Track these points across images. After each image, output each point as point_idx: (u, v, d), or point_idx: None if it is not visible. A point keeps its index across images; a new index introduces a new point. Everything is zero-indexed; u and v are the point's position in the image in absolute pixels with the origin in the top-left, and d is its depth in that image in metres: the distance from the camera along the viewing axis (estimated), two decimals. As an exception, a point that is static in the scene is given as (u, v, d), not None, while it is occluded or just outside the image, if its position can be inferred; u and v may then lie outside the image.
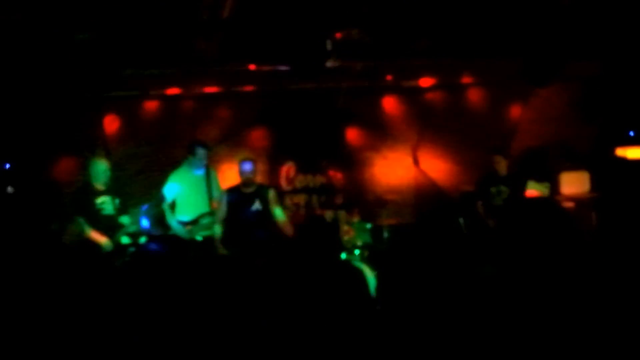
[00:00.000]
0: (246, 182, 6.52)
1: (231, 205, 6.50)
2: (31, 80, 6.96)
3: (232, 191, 6.61)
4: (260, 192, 6.57)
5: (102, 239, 5.99)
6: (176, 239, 6.35)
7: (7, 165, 7.61)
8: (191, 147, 6.66)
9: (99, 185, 6.15)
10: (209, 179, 6.68)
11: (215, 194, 6.71)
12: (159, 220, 6.25)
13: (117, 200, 6.19)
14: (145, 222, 6.06)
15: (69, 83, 6.94)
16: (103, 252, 5.96)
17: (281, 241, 6.50)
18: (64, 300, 5.89)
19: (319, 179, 9.20)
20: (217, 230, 6.48)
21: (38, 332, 5.37)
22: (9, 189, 7.54)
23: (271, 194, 6.64)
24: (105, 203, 6.14)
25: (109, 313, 5.58)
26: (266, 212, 6.52)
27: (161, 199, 6.35)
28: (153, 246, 5.84)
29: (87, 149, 7.61)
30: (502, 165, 7.17)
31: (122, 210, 6.22)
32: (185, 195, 6.57)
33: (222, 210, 6.55)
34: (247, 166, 6.55)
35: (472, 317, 5.15)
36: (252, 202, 6.49)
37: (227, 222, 6.48)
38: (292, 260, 6.55)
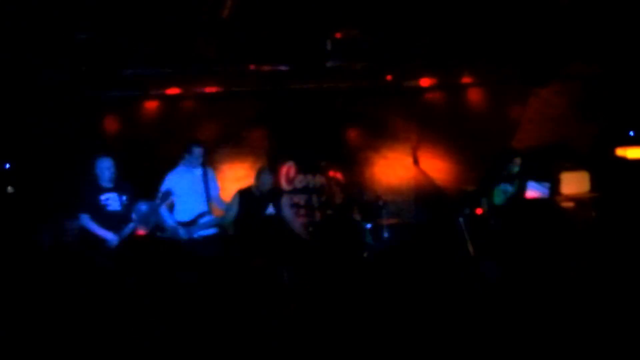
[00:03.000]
0: (263, 189, 6.55)
1: (244, 207, 6.51)
2: (31, 80, 6.96)
3: (245, 194, 6.61)
4: (273, 196, 6.60)
5: (107, 234, 6.03)
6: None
7: (7, 165, 7.61)
8: (187, 146, 6.65)
9: (104, 182, 6.21)
10: (206, 178, 6.68)
11: (213, 193, 6.70)
12: (148, 217, 6.22)
13: (124, 197, 6.24)
14: (134, 216, 6.09)
15: (69, 83, 6.93)
16: (109, 247, 5.98)
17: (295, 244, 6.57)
18: (66, 298, 5.90)
19: (319, 179, 9.20)
20: (229, 228, 6.49)
21: (42, 330, 5.39)
22: (9, 189, 7.54)
23: (283, 198, 6.71)
24: (111, 199, 6.19)
25: (113, 311, 5.60)
26: (279, 216, 6.57)
27: (167, 195, 6.33)
28: (100, 259, 5.83)
29: (87, 148, 7.61)
30: (515, 164, 7.23)
31: (130, 207, 6.25)
32: (182, 195, 6.55)
33: (233, 211, 6.54)
34: (268, 177, 6.59)
35: (472, 315, 5.15)
36: (266, 206, 6.53)
37: (240, 224, 6.49)
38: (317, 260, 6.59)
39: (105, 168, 6.20)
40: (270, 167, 8.81)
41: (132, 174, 7.28)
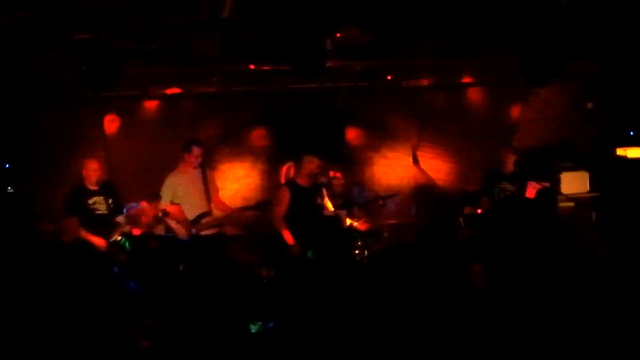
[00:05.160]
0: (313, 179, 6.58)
1: (294, 200, 6.49)
2: (31, 79, 6.97)
3: (292, 186, 6.62)
4: (317, 188, 6.67)
5: (96, 239, 6.01)
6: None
7: (7, 165, 7.62)
8: (187, 145, 6.66)
9: (91, 186, 6.20)
10: (206, 178, 6.68)
11: (213, 193, 6.71)
12: (138, 218, 6.22)
13: (110, 200, 6.22)
14: (124, 215, 6.10)
15: (68, 82, 6.93)
16: (97, 252, 5.97)
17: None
18: (62, 299, 5.90)
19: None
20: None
21: (36, 330, 5.39)
22: (9, 189, 7.54)
23: (323, 189, 6.79)
24: (98, 203, 6.18)
25: (106, 312, 5.60)
26: (322, 207, 6.67)
27: (154, 197, 6.32)
28: (132, 285, 5.84)
29: (86, 148, 7.62)
30: (510, 162, 7.25)
31: (116, 210, 6.24)
32: (183, 195, 6.55)
33: (282, 205, 6.48)
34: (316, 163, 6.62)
35: (470, 316, 5.15)
36: (314, 197, 6.59)
37: (292, 218, 6.47)
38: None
39: (93, 170, 6.19)
40: (271, 167, 8.86)
41: (130, 174, 7.30)
